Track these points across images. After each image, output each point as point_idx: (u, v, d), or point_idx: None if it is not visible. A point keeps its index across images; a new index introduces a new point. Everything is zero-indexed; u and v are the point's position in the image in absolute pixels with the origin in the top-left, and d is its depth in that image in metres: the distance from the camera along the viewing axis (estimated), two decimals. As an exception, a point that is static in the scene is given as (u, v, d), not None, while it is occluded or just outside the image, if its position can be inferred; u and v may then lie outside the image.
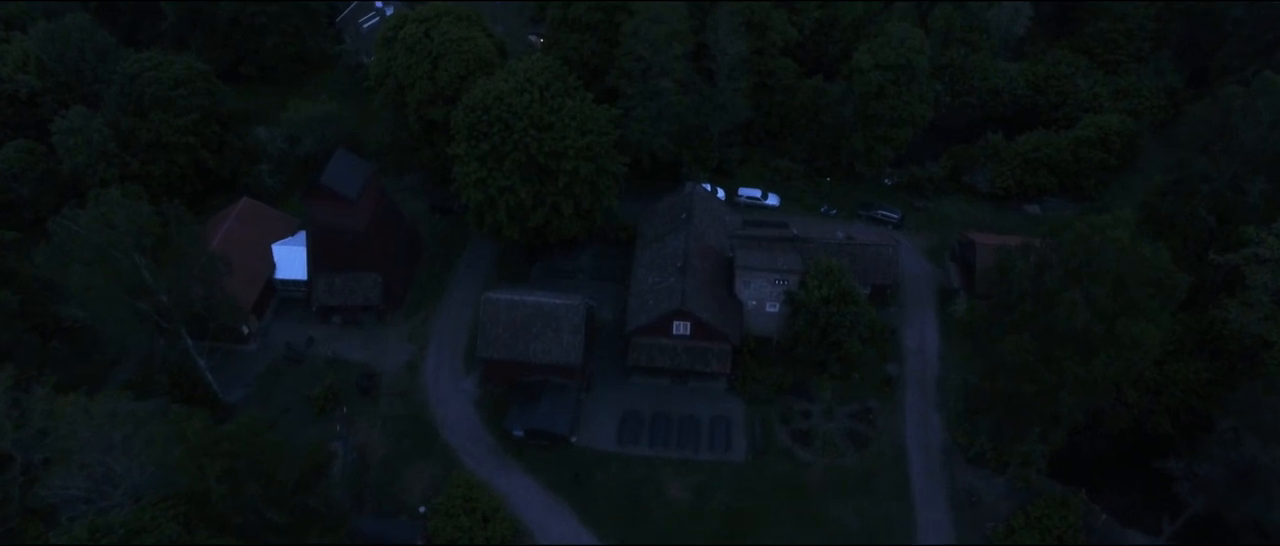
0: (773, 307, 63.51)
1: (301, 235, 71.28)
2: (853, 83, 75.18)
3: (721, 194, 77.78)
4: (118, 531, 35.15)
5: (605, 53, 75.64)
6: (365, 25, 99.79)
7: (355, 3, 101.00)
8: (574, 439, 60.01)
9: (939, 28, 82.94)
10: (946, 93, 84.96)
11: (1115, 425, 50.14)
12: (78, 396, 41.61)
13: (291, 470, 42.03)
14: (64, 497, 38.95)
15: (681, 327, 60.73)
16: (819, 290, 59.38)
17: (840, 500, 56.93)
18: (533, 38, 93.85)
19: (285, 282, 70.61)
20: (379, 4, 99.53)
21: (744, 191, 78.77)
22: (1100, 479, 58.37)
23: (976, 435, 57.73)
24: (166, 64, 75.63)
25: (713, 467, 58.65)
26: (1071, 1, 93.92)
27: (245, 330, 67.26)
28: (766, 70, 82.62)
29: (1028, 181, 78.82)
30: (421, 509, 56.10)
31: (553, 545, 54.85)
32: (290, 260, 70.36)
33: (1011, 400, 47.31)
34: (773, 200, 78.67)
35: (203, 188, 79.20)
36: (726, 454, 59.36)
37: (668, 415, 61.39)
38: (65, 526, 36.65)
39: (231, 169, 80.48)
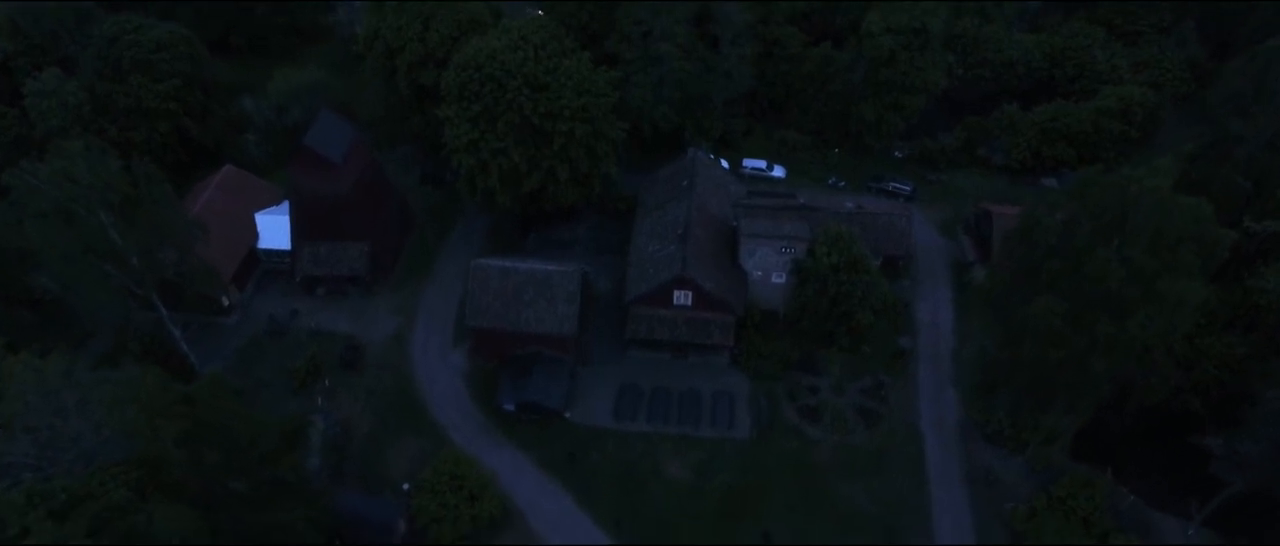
0: (778, 278, 60.19)
1: (287, 205, 68.07)
2: (862, 48, 71.85)
3: (725, 165, 74.44)
4: (59, 497, 32.06)
5: (605, 17, 72.38)
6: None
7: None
8: (568, 414, 56.77)
9: (952, -3, 79.46)
10: (959, 64, 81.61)
11: (1148, 398, 46.73)
12: (29, 356, 38.53)
13: (261, 438, 38.83)
14: (5, 463, 35.87)
15: (682, 298, 57.45)
16: (828, 257, 56.08)
17: (850, 479, 53.62)
18: (531, 10, 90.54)
19: (269, 253, 67.45)
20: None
21: (748, 162, 75.47)
22: (1124, 460, 55.06)
23: (994, 411, 54.41)
24: (148, 27, 72.52)
25: (715, 445, 55.39)
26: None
27: (225, 301, 64.15)
28: (771, 39, 79.43)
29: (1045, 153, 75.40)
30: (405, 486, 52.93)
31: (544, 525, 51.62)
32: (274, 230, 67.18)
33: (1035, 369, 43.96)
34: (778, 172, 75.38)
35: (186, 158, 76.05)
36: (729, 431, 56.09)
37: (667, 390, 58.12)
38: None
39: (216, 139, 77.40)
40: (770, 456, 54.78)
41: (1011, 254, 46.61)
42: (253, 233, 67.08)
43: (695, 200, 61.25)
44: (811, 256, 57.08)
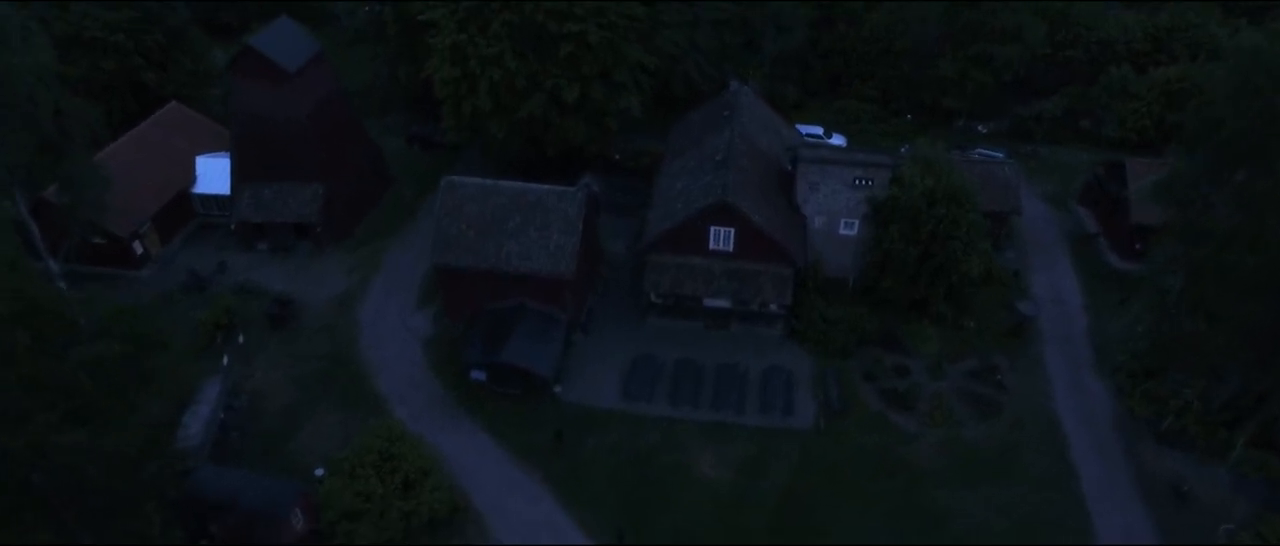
0: (848, 229, 45.21)
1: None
2: (941, -12, 59.47)
3: (772, 126, 60.91)
4: None
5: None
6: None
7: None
8: (558, 388, 41.10)
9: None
10: (1047, 44, 68.89)
11: None
12: None
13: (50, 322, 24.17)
14: None
15: (722, 238, 42.59)
16: (921, 182, 41.26)
17: (962, 486, 36.61)
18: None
19: (206, 200, 54.55)
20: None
21: (803, 129, 61.84)
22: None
23: (1174, 398, 37.69)
24: (106, -45, 62.83)
25: (766, 436, 39.00)
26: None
27: (138, 249, 50.81)
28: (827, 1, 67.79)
29: (1170, 120, 60.76)
30: (318, 471, 37.11)
31: (510, 532, 35.08)
32: (216, 174, 54.55)
33: (1263, 282, 28.05)
34: (837, 140, 61.65)
35: (137, 108, 64.42)
36: (786, 419, 39.79)
37: (697, 365, 42.38)
38: None
39: (177, 90, 66.02)
40: (846, 452, 38.17)
41: (1202, 134, 31.74)
42: (189, 175, 54.56)
43: (739, 129, 47.32)
44: (897, 185, 42.26)
